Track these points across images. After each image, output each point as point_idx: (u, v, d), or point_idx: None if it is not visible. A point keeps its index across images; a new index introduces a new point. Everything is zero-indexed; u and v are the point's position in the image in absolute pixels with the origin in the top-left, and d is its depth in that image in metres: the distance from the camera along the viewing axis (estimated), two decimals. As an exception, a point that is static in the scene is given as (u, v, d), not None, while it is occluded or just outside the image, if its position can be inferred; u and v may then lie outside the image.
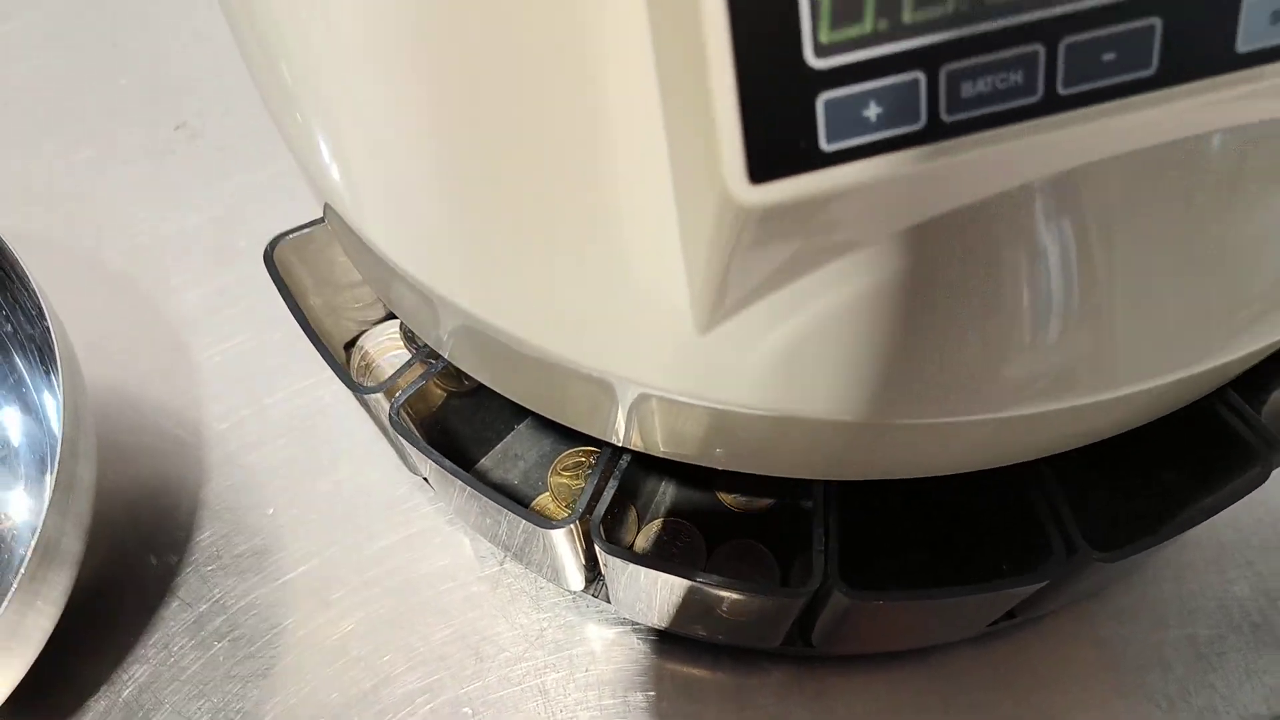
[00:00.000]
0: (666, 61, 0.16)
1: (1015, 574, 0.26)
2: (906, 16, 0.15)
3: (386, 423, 0.30)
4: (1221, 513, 0.27)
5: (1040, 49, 0.16)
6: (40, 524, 0.26)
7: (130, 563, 0.35)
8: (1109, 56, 0.16)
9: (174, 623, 0.34)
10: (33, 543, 0.26)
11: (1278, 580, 0.34)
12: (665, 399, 0.21)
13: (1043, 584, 0.26)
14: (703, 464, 0.25)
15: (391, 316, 0.36)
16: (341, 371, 0.28)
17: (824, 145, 0.16)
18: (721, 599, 0.27)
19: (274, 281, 0.29)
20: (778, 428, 0.22)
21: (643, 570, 0.26)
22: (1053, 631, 0.34)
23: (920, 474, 0.25)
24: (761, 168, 0.16)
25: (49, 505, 0.26)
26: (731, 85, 0.15)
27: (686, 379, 0.20)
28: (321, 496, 0.36)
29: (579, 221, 0.19)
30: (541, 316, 0.21)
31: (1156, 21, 0.16)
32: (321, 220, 0.31)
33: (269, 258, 0.29)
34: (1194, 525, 0.27)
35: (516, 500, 0.28)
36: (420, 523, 0.36)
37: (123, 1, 0.44)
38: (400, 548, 0.35)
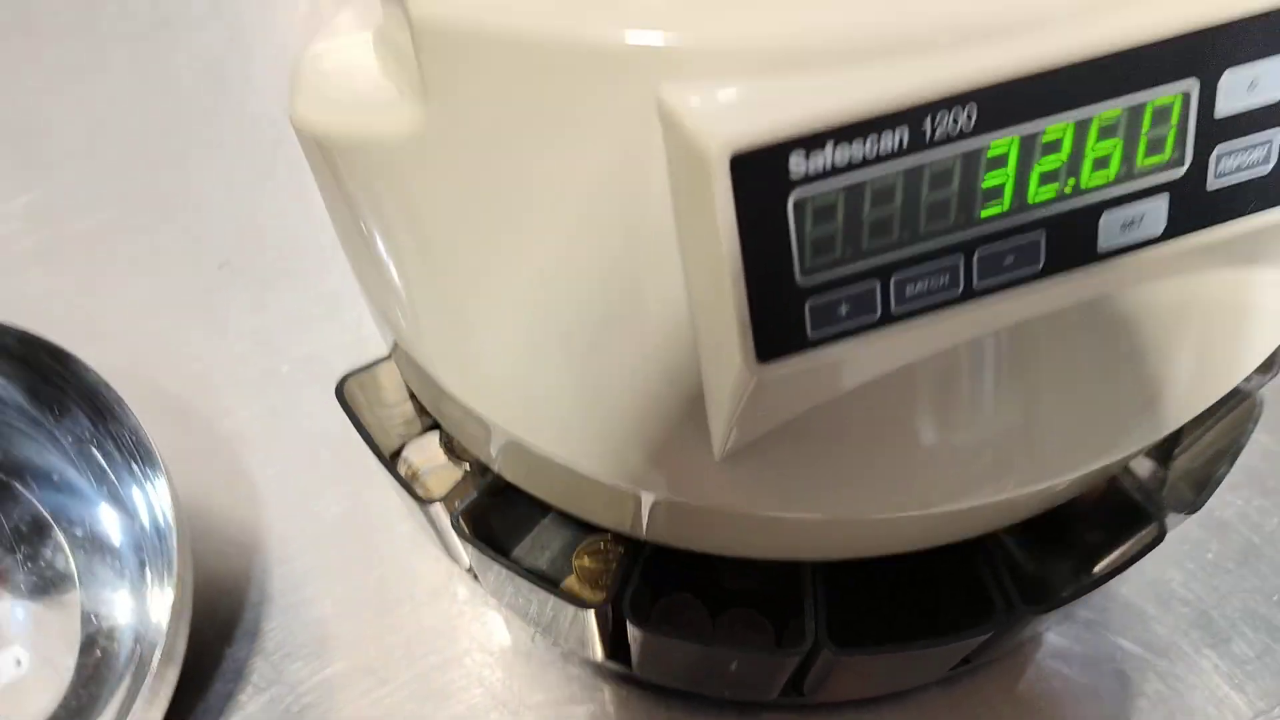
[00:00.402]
0: (699, 280, 0.23)
1: (968, 628, 0.33)
2: (865, 245, 0.22)
3: (446, 526, 0.35)
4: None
5: (960, 259, 0.23)
6: (166, 628, 0.31)
7: (210, 653, 0.40)
8: (1009, 260, 0.23)
9: (251, 705, 0.39)
10: (160, 646, 0.31)
11: (1198, 618, 0.41)
12: (692, 507, 0.27)
13: (988, 635, 0.32)
14: (708, 551, 0.31)
15: (430, 429, 0.42)
16: (407, 487, 0.34)
17: (810, 335, 0.22)
18: (730, 660, 0.33)
19: (348, 416, 0.35)
20: (770, 524, 0.28)
21: (665, 640, 0.32)
22: (1005, 671, 0.40)
23: (884, 553, 0.31)
24: (765, 352, 0.22)
25: (171, 611, 0.32)
26: (744, 296, 0.21)
27: (708, 493, 0.27)
28: (371, 587, 0.41)
29: (631, 382, 0.25)
30: (595, 449, 0.27)
31: (1042, 234, 0.23)
32: (376, 361, 0.37)
33: (340, 394, 0.35)
34: (1108, 580, 0.33)
35: (548, 582, 0.34)
36: (460, 605, 0.41)
37: (168, 157, 0.50)
38: (444, 627, 0.41)
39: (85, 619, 0.40)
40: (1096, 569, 0.36)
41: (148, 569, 0.39)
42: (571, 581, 0.39)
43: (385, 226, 0.26)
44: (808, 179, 0.21)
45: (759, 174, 0.20)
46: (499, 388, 0.27)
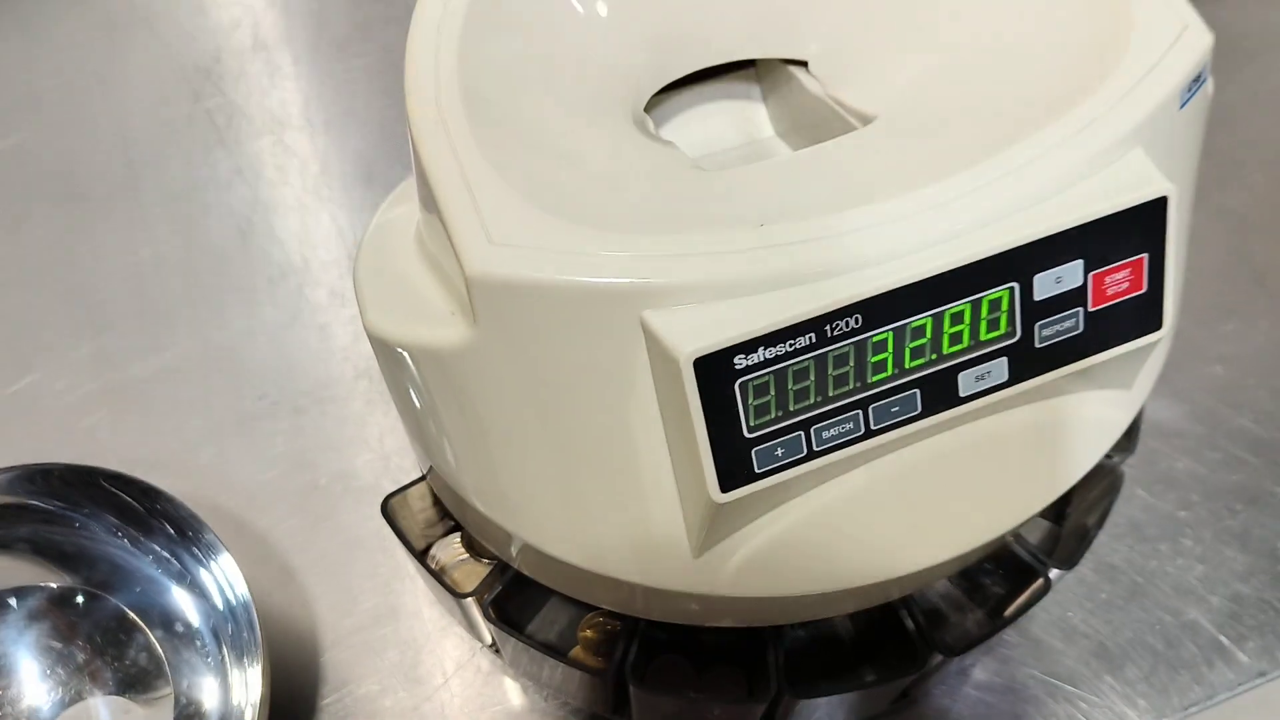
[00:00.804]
0: (677, 441, 0.31)
1: (900, 670, 0.41)
2: (791, 408, 0.31)
3: (475, 614, 0.43)
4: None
5: (860, 412, 0.31)
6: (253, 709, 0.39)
7: (279, 731, 0.47)
8: (895, 409, 0.32)
9: (316, 771, 0.47)
10: None
11: (1096, 649, 0.50)
12: (677, 592, 0.36)
13: (915, 676, 0.41)
14: (688, 623, 0.39)
15: (452, 530, 0.50)
16: (444, 583, 0.42)
17: (756, 471, 0.31)
18: (713, 709, 0.41)
19: (391, 526, 0.43)
20: (735, 601, 0.36)
21: (658, 697, 0.41)
22: (940, 700, 0.49)
23: (830, 615, 0.40)
24: (725, 484, 0.31)
25: (260, 697, 0.40)
26: (709, 449, 0.30)
27: (688, 582, 0.35)
28: (408, 665, 0.49)
29: (628, 512, 0.34)
30: (596, 553, 0.35)
31: (917, 391, 0.32)
32: (412, 483, 0.45)
33: (385, 510, 0.44)
34: (1004, 627, 0.42)
35: (559, 653, 0.42)
36: (484, 675, 0.49)
37: (209, 306, 0.58)
38: (471, 694, 0.49)
39: (177, 703, 0.47)
40: (1004, 614, 0.45)
41: (226, 653, 0.47)
42: (577, 651, 0.48)
43: (437, 407, 0.35)
44: (748, 370, 0.30)
45: (714, 369, 0.29)
46: (533, 514, 0.36)
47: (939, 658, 0.41)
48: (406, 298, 0.35)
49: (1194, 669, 0.49)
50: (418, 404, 0.36)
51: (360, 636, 0.50)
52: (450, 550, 0.50)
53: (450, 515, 0.48)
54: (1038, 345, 0.33)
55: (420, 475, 0.45)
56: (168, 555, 0.48)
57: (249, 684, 0.43)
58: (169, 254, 0.60)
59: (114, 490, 0.47)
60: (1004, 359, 0.32)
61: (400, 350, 0.34)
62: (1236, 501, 0.54)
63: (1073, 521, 0.45)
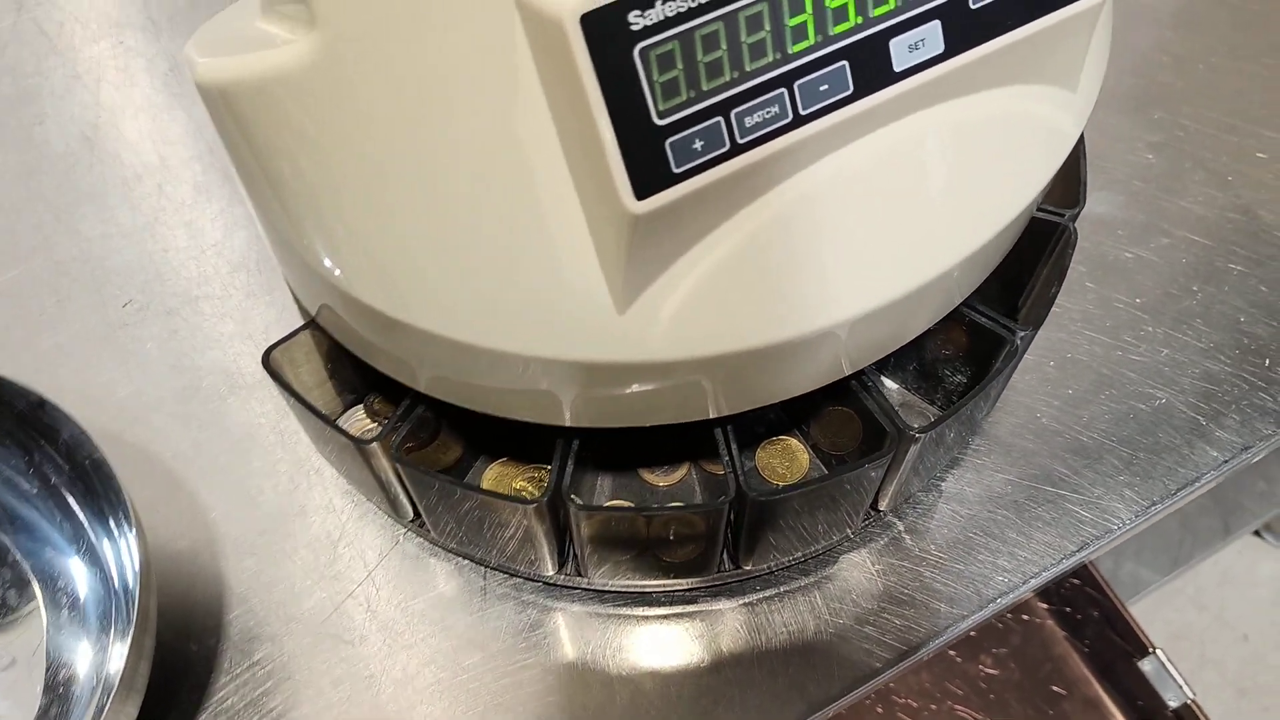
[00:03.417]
0: (573, 142, 0.27)
1: (864, 453, 0.37)
2: (704, 86, 0.26)
3: (387, 467, 0.38)
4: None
5: (784, 91, 0.27)
6: (121, 670, 0.34)
7: (177, 651, 0.41)
8: (824, 87, 0.27)
9: (224, 691, 0.41)
10: (115, 687, 0.33)
11: (1070, 444, 0.46)
12: (607, 367, 0.31)
13: (888, 458, 0.36)
14: (626, 424, 0.34)
15: (353, 404, 0.45)
16: (347, 434, 0.37)
17: (674, 170, 0.26)
18: (669, 527, 0.36)
19: (279, 385, 0.37)
20: (673, 374, 0.32)
21: (610, 523, 0.36)
22: (915, 527, 0.45)
23: (785, 395, 0.35)
24: (641, 189, 0.26)
25: (130, 646, 0.34)
26: (614, 142, 0.25)
27: (614, 349, 0.30)
28: (323, 562, 0.43)
29: (536, 259, 0.29)
30: (502, 325, 0.30)
31: (845, 64, 0.27)
32: (296, 331, 0.40)
33: (268, 364, 0.38)
34: (982, 391, 0.38)
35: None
36: (410, 560, 0.44)
37: (58, 218, 0.52)
38: (401, 582, 0.43)
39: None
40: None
41: (105, 557, 0.41)
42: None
43: (297, 160, 0.29)
44: (646, 32, 0.25)
45: (605, 31, 0.24)
46: (422, 295, 0.30)
47: (905, 436, 0.36)
48: (241, 43, 0.30)
49: (1175, 452, 0.46)
50: (273, 174, 0.30)
51: (264, 540, 0.44)
52: (353, 425, 0.44)
53: (341, 373, 0.43)
54: (973, 6, 0.29)
55: (304, 322, 0.40)
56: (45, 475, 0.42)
57: (146, 644, 0.37)
58: (4, 168, 0.53)
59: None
60: (937, 23, 0.28)
61: (234, 94, 0.29)
62: (1192, 282, 0.51)
63: (1033, 281, 0.41)
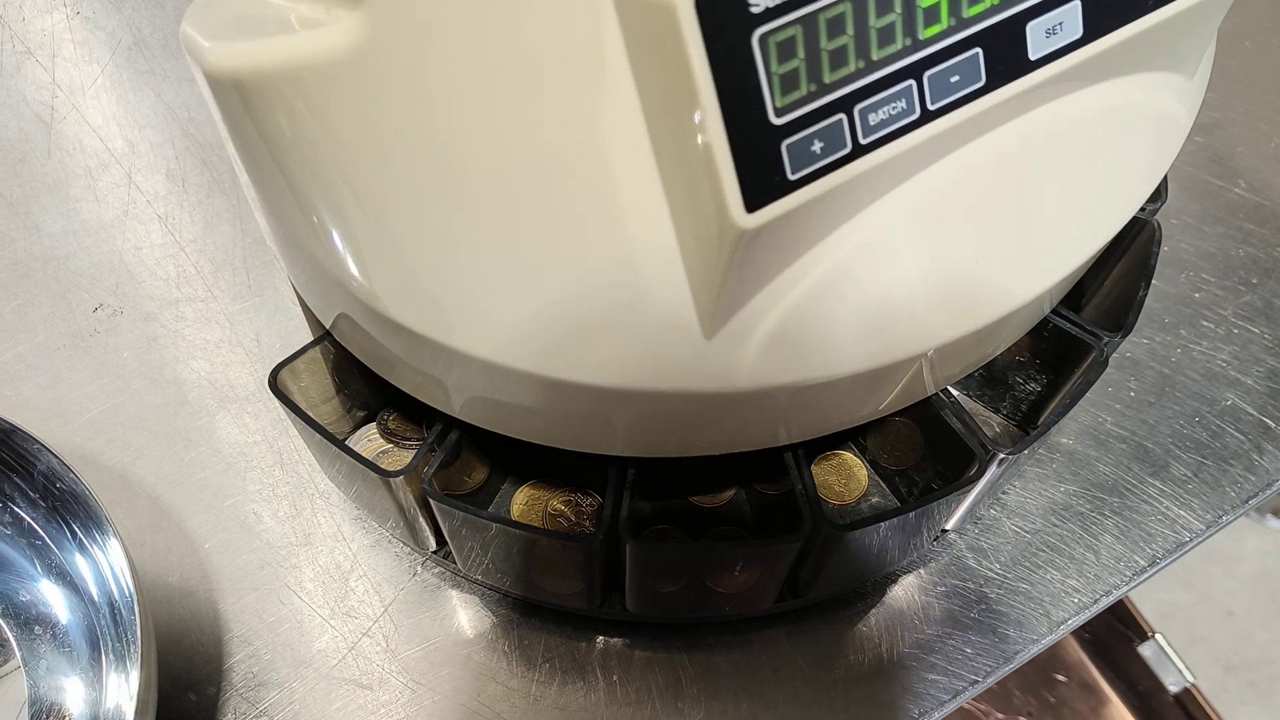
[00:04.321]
0: (672, 144, 0.22)
1: (948, 475, 0.34)
2: (827, 79, 0.22)
3: (411, 501, 0.34)
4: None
5: (913, 83, 0.23)
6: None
7: (175, 703, 0.37)
8: (955, 79, 0.24)
9: (233, 742, 0.36)
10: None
11: (1135, 452, 0.43)
12: (679, 398, 0.27)
13: (976, 482, 0.33)
14: (692, 453, 0.30)
15: (365, 422, 0.40)
16: (369, 464, 0.32)
17: (790, 175, 0.22)
18: (734, 562, 0.33)
19: (287, 407, 0.33)
20: (760, 401, 0.28)
21: (665, 559, 0.32)
22: (973, 545, 0.41)
23: (866, 418, 0.31)
24: (754, 200, 0.22)
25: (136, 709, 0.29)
26: (725, 140, 0.21)
27: (704, 376, 0.26)
28: (334, 596, 0.39)
29: (608, 281, 0.24)
30: (567, 353, 0.26)
31: (979, 51, 0.24)
32: (303, 350, 0.35)
33: (274, 386, 0.33)
34: (1070, 410, 0.34)
35: (528, 526, 0.33)
36: (433, 591, 0.39)
37: (14, 214, 0.46)
38: (422, 619, 0.39)
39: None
40: (1047, 412, 0.38)
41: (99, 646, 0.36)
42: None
43: (337, 163, 0.25)
44: (768, 15, 0.21)
45: (722, 13, 0.20)
46: (471, 312, 0.26)
47: (992, 456, 0.33)
48: (254, 23, 0.25)
49: (1244, 458, 0.43)
50: (290, 170, 0.26)
51: (266, 574, 0.40)
52: (364, 446, 0.40)
53: (352, 385, 0.38)
54: (1115, -16, 0.25)
55: (314, 338, 0.35)
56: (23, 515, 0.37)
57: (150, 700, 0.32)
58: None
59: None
60: (1077, 3, 0.25)
61: (256, 85, 0.24)
62: (1251, 274, 0.48)
63: (1110, 284, 0.38)
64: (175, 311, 0.44)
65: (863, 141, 0.23)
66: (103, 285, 0.45)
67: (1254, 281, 0.48)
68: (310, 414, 0.38)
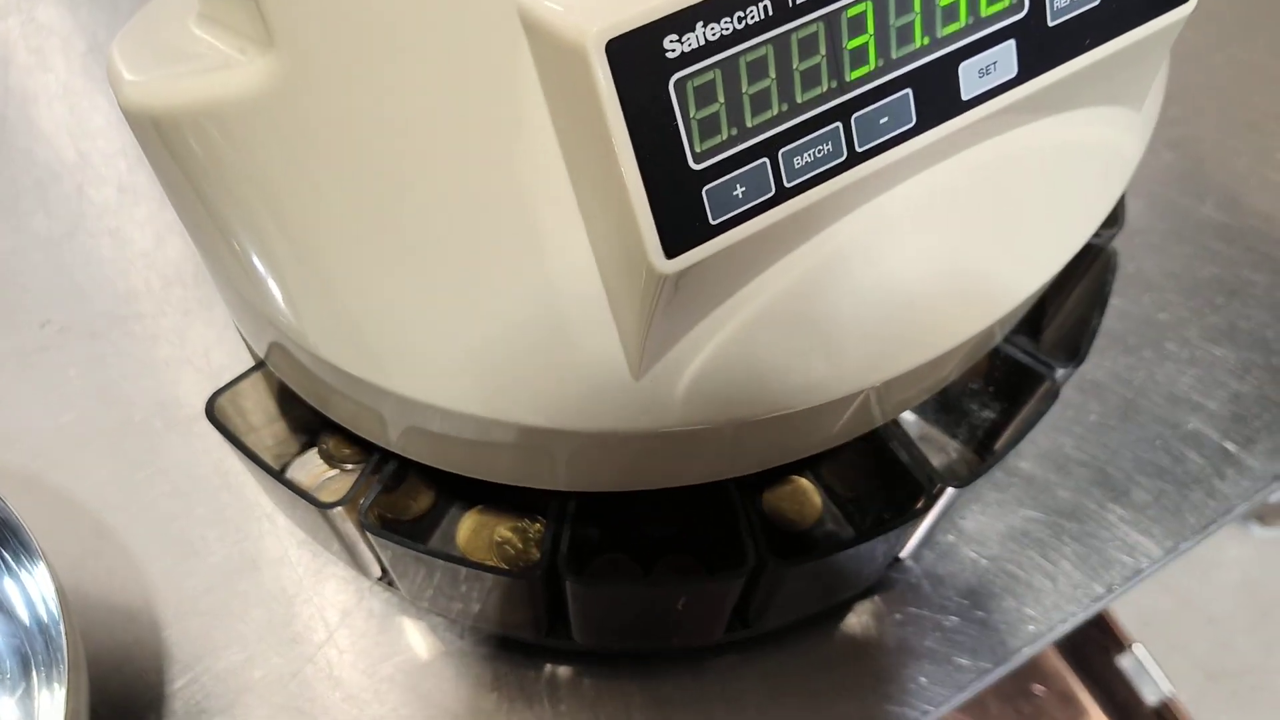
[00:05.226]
0: (590, 190, 0.22)
1: (904, 513, 0.33)
2: (749, 122, 0.21)
3: (351, 531, 0.33)
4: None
5: (840, 125, 0.23)
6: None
7: (116, 732, 0.36)
8: (884, 120, 0.23)
9: (173, 774, 0.36)
10: None
11: (1096, 477, 0.43)
12: (617, 435, 0.26)
13: (920, 515, 0.33)
14: (632, 488, 0.30)
15: (307, 448, 0.40)
16: (306, 496, 0.32)
17: (710, 220, 0.22)
18: (677, 599, 0.32)
19: (225, 436, 0.32)
20: (696, 439, 0.27)
21: (610, 595, 0.31)
22: (929, 572, 0.41)
23: (807, 452, 0.31)
24: (673, 246, 0.21)
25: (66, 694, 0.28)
26: (642, 189, 0.21)
27: (628, 418, 0.26)
28: (279, 623, 0.39)
29: (537, 321, 0.24)
30: (516, 397, 0.25)
31: (909, 91, 0.23)
32: (242, 376, 0.34)
33: (211, 414, 0.33)
34: (1017, 444, 0.34)
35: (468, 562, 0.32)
36: (379, 620, 0.39)
37: None
38: (366, 646, 0.38)
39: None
40: (1000, 442, 0.38)
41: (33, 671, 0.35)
42: (496, 562, 0.38)
43: (250, 205, 0.24)
44: (684, 60, 0.20)
45: (635, 59, 0.20)
46: (401, 353, 0.26)
47: (937, 492, 0.33)
48: (175, 56, 0.24)
49: (1204, 483, 0.43)
50: (222, 215, 0.25)
51: (211, 599, 0.39)
52: (310, 469, 0.39)
53: (295, 413, 0.38)
54: (1050, 24, 0.24)
55: (254, 364, 0.34)
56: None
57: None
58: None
59: None
60: (1011, 42, 0.24)
61: (172, 123, 0.23)
62: (1216, 295, 0.47)
63: (1069, 309, 0.38)
64: (124, 328, 0.44)
65: (787, 185, 0.22)
66: (51, 301, 0.44)
67: (1219, 302, 0.47)
68: (254, 437, 0.37)
